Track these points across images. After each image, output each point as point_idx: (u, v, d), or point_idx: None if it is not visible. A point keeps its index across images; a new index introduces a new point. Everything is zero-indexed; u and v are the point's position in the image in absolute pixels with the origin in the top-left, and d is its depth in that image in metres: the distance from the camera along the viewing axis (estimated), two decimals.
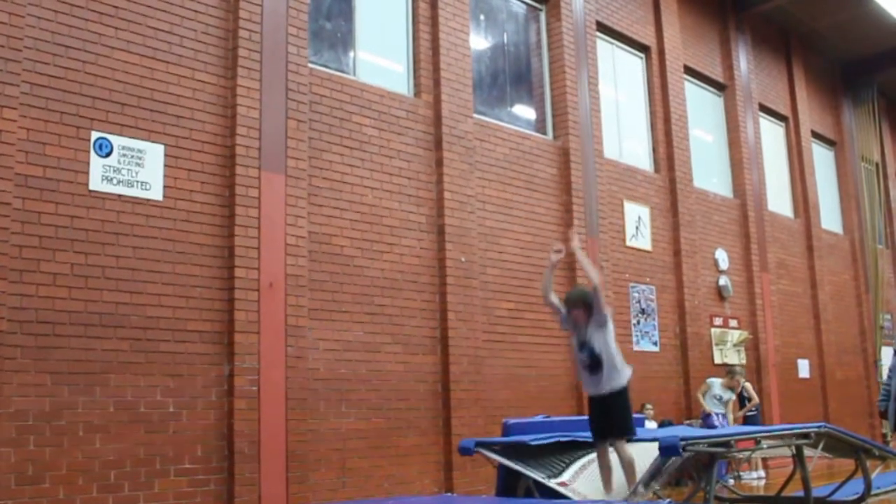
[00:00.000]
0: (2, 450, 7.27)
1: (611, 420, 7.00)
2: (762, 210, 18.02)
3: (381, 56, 11.58)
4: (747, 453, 10.40)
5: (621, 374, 7.03)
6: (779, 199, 19.17)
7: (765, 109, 19.20)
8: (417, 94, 11.55)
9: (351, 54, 11.18)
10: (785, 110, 19.91)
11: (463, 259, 11.34)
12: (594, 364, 6.99)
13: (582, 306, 7.10)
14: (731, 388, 14.13)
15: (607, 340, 7.00)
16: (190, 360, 8.62)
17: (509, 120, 13.20)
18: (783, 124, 20.02)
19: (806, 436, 8.48)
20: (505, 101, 13.45)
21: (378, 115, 10.86)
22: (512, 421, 8.66)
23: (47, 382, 7.65)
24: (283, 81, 9.81)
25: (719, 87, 17.99)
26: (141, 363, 8.27)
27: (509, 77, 13.56)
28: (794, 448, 8.67)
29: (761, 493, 12.44)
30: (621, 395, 7.04)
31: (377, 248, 10.53)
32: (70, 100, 8.17)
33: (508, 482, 8.05)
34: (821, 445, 8.60)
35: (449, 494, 10.19)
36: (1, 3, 7.73)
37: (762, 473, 14.54)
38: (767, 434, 8.77)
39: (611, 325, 7.08)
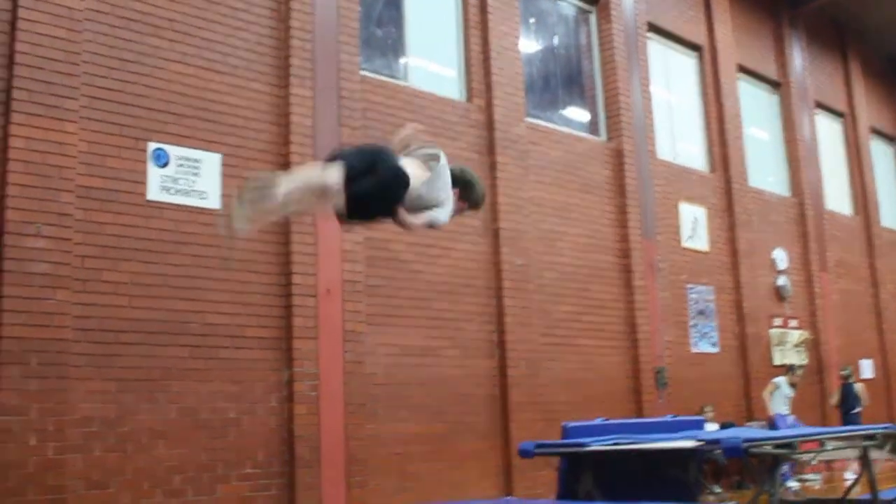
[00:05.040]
0: (70, 455, 7.39)
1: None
2: (820, 208, 17.76)
3: (432, 61, 11.62)
4: (811, 455, 10.23)
5: None
6: (837, 197, 18.87)
7: (821, 106, 18.92)
8: (469, 98, 11.56)
9: (402, 60, 11.23)
10: (842, 106, 19.59)
11: (519, 262, 11.32)
12: None
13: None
14: (794, 385, 14.07)
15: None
16: (249, 366, 8.70)
17: (562, 122, 13.16)
18: (840, 120, 19.71)
19: (872, 437, 8.32)
20: (557, 103, 13.42)
21: (431, 121, 10.86)
22: (571, 424, 8.61)
23: (111, 389, 7.77)
24: (336, 89, 9.87)
25: (774, 84, 17.77)
26: (201, 370, 8.36)
27: (561, 79, 13.52)
28: (860, 450, 8.50)
29: (828, 495, 12.20)
30: None
31: (433, 253, 10.55)
32: (127, 112, 8.30)
33: (569, 485, 8.00)
34: (887, 447, 8.43)
35: (510, 498, 10.16)
36: (59, 19, 7.89)
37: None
38: (832, 436, 8.62)
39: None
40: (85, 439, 7.54)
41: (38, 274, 7.42)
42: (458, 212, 5.15)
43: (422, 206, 4.91)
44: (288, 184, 4.46)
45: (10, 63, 7.59)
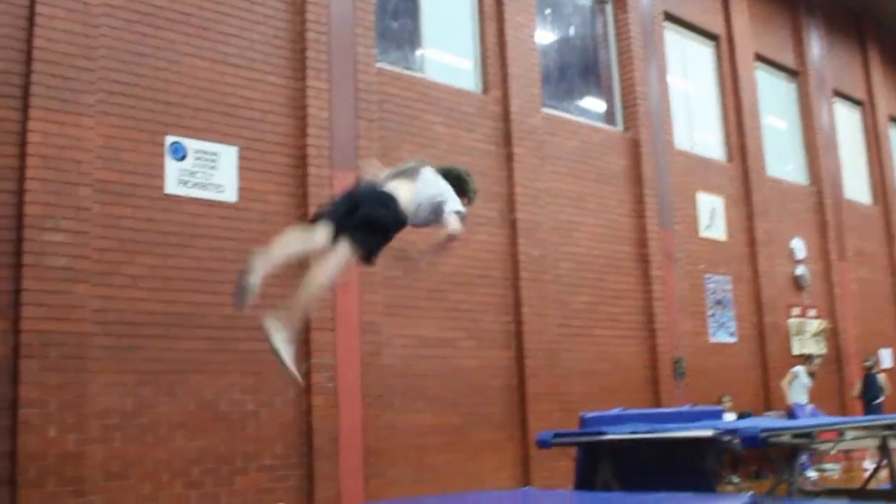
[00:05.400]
0: (90, 447, 7.45)
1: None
2: (839, 197, 17.65)
3: (448, 53, 11.61)
4: (830, 445, 10.19)
5: None
6: (856, 186, 18.75)
7: (839, 94, 18.79)
8: (486, 90, 11.55)
9: (418, 52, 11.23)
10: (860, 94, 19.46)
11: (535, 253, 11.31)
12: None
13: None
14: (813, 374, 14.06)
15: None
16: (267, 359, 8.54)
17: (578, 113, 13.13)
18: (859, 109, 19.57)
19: (891, 427, 8.29)
20: (573, 94, 13.38)
21: (447, 112, 10.88)
22: (589, 414, 8.61)
23: (130, 382, 7.83)
24: (353, 81, 9.88)
25: (792, 73, 17.66)
26: (220, 362, 8.41)
27: (577, 70, 13.48)
28: (879, 439, 8.47)
29: (847, 485, 12.16)
30: None
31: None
32: (144, 106, 8.34)
33: (587, 475, 8.01)
34: None
35: (527, 488, 10.17)
36: (76, 14, 7.93)
37: None
38: (851, 425, 8.58)
39: None
40: (104, 431, 7.60)
41: (56, 268, 7.48)
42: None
43: (432, 213, 4.96)
44: (270, 257, 4.67)
45: (28, 58, 7.65)
